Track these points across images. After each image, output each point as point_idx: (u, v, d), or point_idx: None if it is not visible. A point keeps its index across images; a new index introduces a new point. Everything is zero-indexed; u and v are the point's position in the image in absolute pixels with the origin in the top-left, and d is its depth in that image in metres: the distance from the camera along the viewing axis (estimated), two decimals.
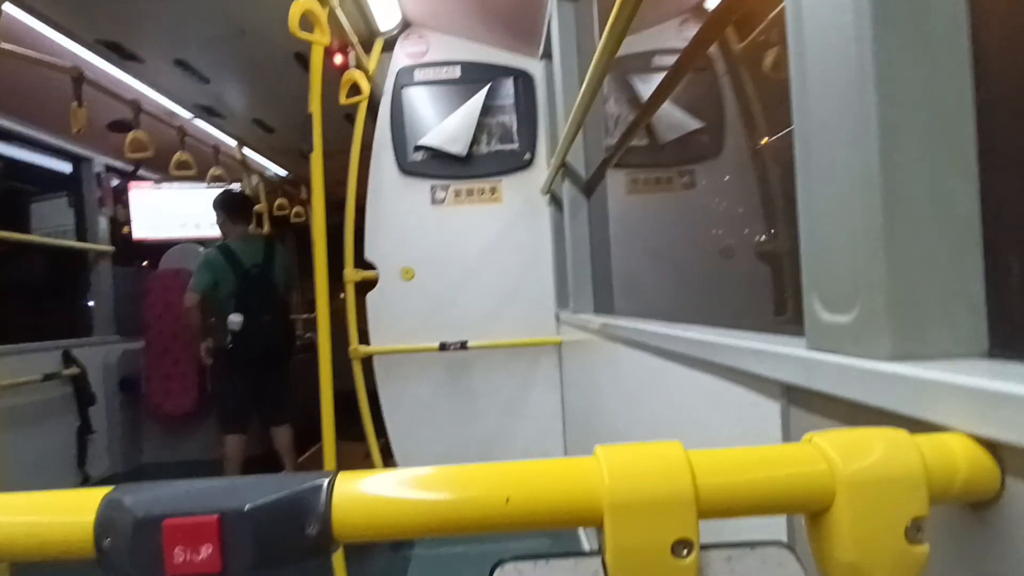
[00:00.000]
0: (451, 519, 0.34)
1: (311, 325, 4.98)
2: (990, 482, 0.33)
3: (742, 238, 2.49)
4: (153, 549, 0.32)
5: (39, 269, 3.97)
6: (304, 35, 1.60)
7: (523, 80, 2.67)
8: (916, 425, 0.37)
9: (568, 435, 2.63)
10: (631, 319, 1.39)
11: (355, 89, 2.09)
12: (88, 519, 0.34)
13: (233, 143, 3.93)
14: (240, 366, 2.99)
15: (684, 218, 2.50)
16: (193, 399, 3.68)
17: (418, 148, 2.65)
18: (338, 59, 2.31)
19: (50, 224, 3.76)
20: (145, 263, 4.40)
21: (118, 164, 3.89)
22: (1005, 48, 0.47)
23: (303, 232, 5.32)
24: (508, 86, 2.67)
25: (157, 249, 4.11)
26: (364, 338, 2.60)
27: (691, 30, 2.49)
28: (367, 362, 2.59)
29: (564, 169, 1.99)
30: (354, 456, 2.64)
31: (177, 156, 3.12)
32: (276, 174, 4.84)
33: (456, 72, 2.66)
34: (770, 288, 2.38)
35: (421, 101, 2.66)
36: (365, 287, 2.63)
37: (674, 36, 2.50)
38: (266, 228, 4.51)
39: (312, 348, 4.12)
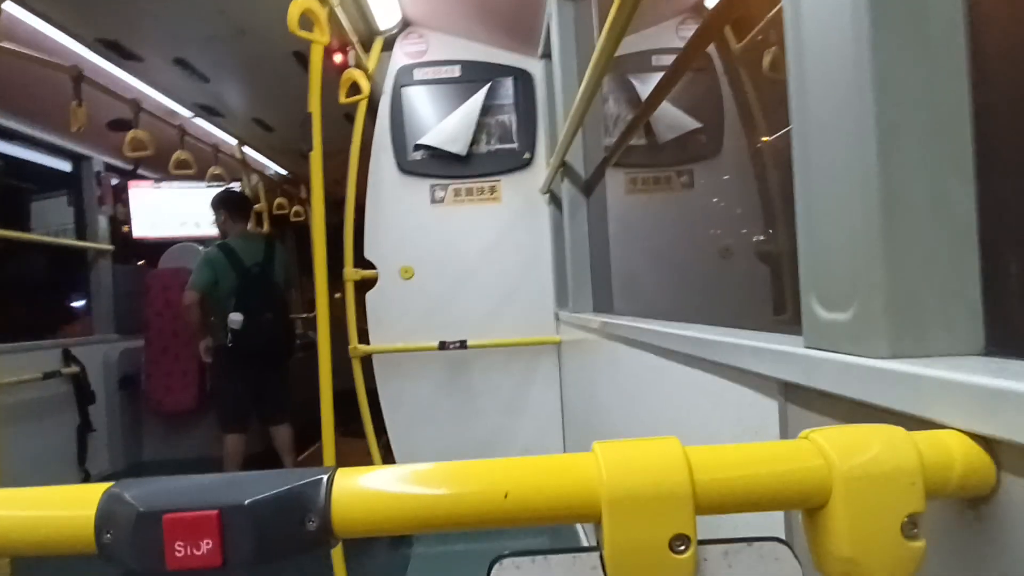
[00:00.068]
0: (450, 514, 0.34)
1: (311, 324, 4.98)
2: (985, 478, 0.34)
3: (741, 238, 2.50)
4: (154, 543, 0.32)
5: (39, 268, 3.97)
6: (304, 34, 1.60)
7: (522, 79, 2.67)
8: (912, 422, 0.37)
9: (567, 434, 2.63)
10: (630, 318, 1.39)
11: (355, 88, 2.09)
12: (89, 513, 0.34)
13: (233, 142, 3.93)
14: (240, 365, 3.00)
15: (683, 218, 2.50)
16: (193, 397, 3.68)
17: (418, 147, 2.65)
18: (338, 58, 2.31)
19: (50, 223, 3.76)
20: (141, 262, 4.39)
21: (118, 163, 3.89)
22: (1002, 49, 0.47)
23: (302, 231, 5.32)
24: (507, 85, 2.67)
25: (157, 248, 4.11)
26: (364, 337, 2.60)
27: (690, 30, 2.50)
28: (367, 361, 2.59)
29: (563, 168, 1.99)
30: (354, 453, 2.65)
31: (177, 155, 3.12)
32: (276, 173, 4.83)
33: (456, 71, 2.66)
34: (769, 288, 2.39)
35: (421, 100, 2.67)
36: (365, 286, 2.63)
37: (673, 36, 2.50)
38: (266, 227, 4.51)
39: (312, 347, 4.13)
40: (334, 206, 2.20)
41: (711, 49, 2.44)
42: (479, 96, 2.62)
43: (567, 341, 2.45)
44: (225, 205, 3.14)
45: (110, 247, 3.85)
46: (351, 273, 2.54)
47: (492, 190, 2.68)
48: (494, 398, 2.68)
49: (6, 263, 3.62)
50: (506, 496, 0.34)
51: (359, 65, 2.32)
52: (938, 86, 0.42)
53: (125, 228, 4.07)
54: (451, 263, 2.66)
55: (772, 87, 2.30)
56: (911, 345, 0.42)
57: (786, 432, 0.58)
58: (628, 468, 0.34)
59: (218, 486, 0.34)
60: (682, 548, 0.33)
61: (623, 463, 0.34)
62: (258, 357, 3.02)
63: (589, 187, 1.96)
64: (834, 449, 0.34)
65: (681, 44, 2.47)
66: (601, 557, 0.34)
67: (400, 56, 2.66)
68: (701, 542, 0.34)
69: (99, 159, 3.77)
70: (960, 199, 0.43)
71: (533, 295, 2.65)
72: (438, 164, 2.65)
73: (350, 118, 2.52)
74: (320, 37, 1.66)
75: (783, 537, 0.36)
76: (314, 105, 1.79)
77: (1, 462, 1.66)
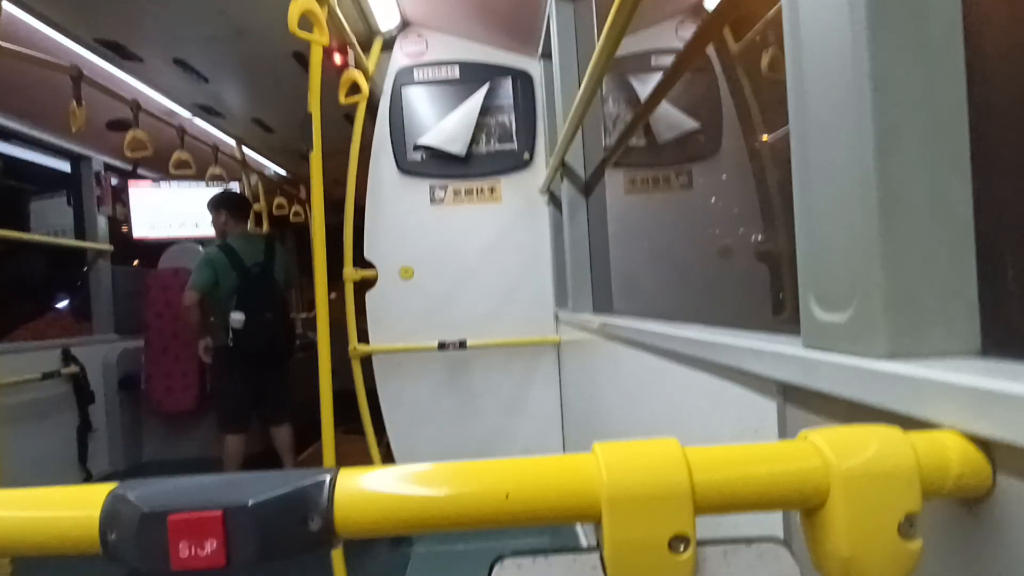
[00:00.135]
0: (451, 514, 0.35)
1: (310, 324, 4.98)
2: (982, 479, 0.34)
3: (740, 238, 2.50)
4: (159, 544, 0.32)
5: (38, 267, 3.97)
6: (303, 35, 1.60)
7: (522, 80, 2.68)
8: (910, 423, 0.37)
9: (567, 434, 2.63)
10: (630, 318, 1.39)
11: (354, 89, 2.10)
12: (94, 514, 0.34)
13: (232, 142, 3.93)
14: (241, 365, 3.00)
15: (682, 218, 2.50)
16: (194, 397, 3.68)
17: (417, 148, 2.66)
18: (337, 59, 2.31)
19: (49, 223, 3.76)
20: (136, 262, 4.39)
21: (117, 163, 3.89)
22: (1000, 50, 0.48)
23: (302, 231, 5.32)
24: (507, 86, 2.67)
25: (156, 248, 4.11)
26: (363, 337, 2.60)
27: (689, 30, 2.50)
28: (367, 361, 2.59)
29: (563, 169, 1.99)
30: (353, 453, 2.65)
31: (176, 155, 3.12)
32: (275, 173, 4.83)
33: (455, 72, 2.66)
34: (768, 287, 2.39)
35: (420, 101, 2.67)
36: (364, 286, 2.63)
37: (672, 36, 2.50)
38: (265, 227, 4.51)
39: (311, 347, 4.13)
40: (334, 206, 2.21)
41: (710, 49, 2.44)
42: (478, 96, 2.63)
43: (567, 341, 2.45)
44: (226, 205, 3.15)
45: (109, 247, 3.85)
46: (351, 273, 2.54)
47: (492, 190, 2.68)
48: (494, 398, 2.68)
49: (5, 263, 3.62)
50: (507, 496, 0.34)
51: (359, 65, 2.32)
52: (936, 86, 0.43)
53: (124, 228, 4.07)
54: (451, 263, 2.66)
55: (771, 87, 2.30)
56: (909, 346, 0.42)
57: (785, 432, 0.58)
58: (628, 468, 0.34)
59: (222, 487, 0.34)
60: (681, 548, 0.33)
61: (623, 464, 0.34)
62: (259, 357, 3.02)
63: (588, 187, 1.97)
64: (832, 450, 0.34)
65: (680, 44, 2.48)
66: (601, 557, 0.34)
67: (399, 56, 2.66)
68: (700, 542, 0.34)
69: (99, 159, 3.77)
70: (958, 200, 0.43)
71: (533, 295, 2.66)
72: (438, 164, 2.65)
73: (350, 118, 2.52)
74: (320, 38, 1.66)
75: (781, 537, 0.36)
76: (314, 105, 1.79)
77: (1, 462, 1.67)
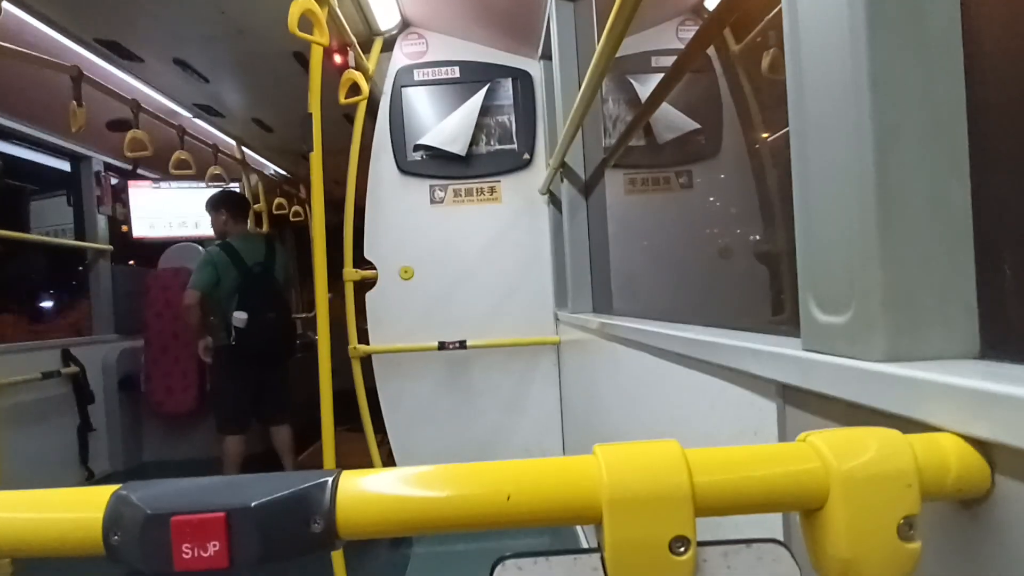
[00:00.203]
0: (453, 516, 0.35)
1: (310, 324, 4.98)
2: (981, 481, 0.34)
3: (740, 238, 2.50)
4: (162, 545, 0.33)
5: (38, 267, 3.97)
6: (303, 35, 1.60)
7: (522, 80, 2.68)
8: (909, 425, 0.37)
9: (567, 434, 2.63)
10: (629, 319, 1.39)
11: (354, 89, 2.10)
12: (97, 515, 0.34)
13: (232, 142, 3.93)
14: (242, 364, 3.00)
15: (682, 218, 2.51)
16: (193, 397, 3.68)
17: (417, 148, 2.66)
18: (337, 59, 2.31)
19: (49, 223, 3.76)
20: (132, 262, 4.38)
21: (117, 163, 3.89)
22: (998, 51, 0.48)
23: (302, 231, 5.32)
24: (507, 86, 2.68)
25: (156, 248, 4.11)
26: (363, 337, 2.61)
27: (690, 31, 2.50)
28: (366, 361, 2.59)
29: (563, 169, 1.99)
30: (353, 452, 2.65)
31: (176, 155, 3.12)
32: (275, 173, 4.83)
33: (455, 72, 2.66)
34: (767, 288, 2.39)
35: (420, 101, 2.67)
36: (364, 286, 2.63)
37: (672, 37, 2.50)
38: (265, 227, 4.51)
39: (311, 347, 4.13)
40: (334, 206, 2.21)
41: (710, 50, 2.44)
42: (478, 97, 2.63)
43: (566, 341, 2.46)
44: (226, 205, 3.15)
45: (109, 247, 3.85)
46: (351, 273, 2.54)
47: (492, 190, 2.68)
48: (493, 398, 2.69)
49: (5, 263, 3.62)
50: (508, 498, 0.35)
51: (359, 66, 2.32)
52: (935, 87, 0.43)
53: (124, 228, 4.07)
54: (451, 263, 2.66)
55: (771, 88, 2.30)
56: (907, 348, 0.43)
57: (784, 433, 0.58)
58: (628, 470, 0.34)
59: (224, 488, 0.34)
60: (682, 549, 0.33)
61: (624, 465, 0.34)
62: (260, 357, 3.03)
63: (588, 188, 1.97)
64: (831, 452, 0.34)
65: (681, 45, 2.48)
66: (602, 558, 0.34)
67: (400, 57, 2.67)
68: (701, 543, 0.34)
69: (99, 159, 3.77)
70: (957, 201, 0.43)
71: (532, 295, 2.66)
72: (438, 164, 2.66)
73: (350, 119, 2.52)
74: (320, 38, 1.66)
75: (781, 538, 0.36)
76: (314, 106, 1.79)
77: (1, 462, 1.67)
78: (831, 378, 0.47)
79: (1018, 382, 0.32)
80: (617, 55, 1.17)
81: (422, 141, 2.64)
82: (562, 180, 2.03)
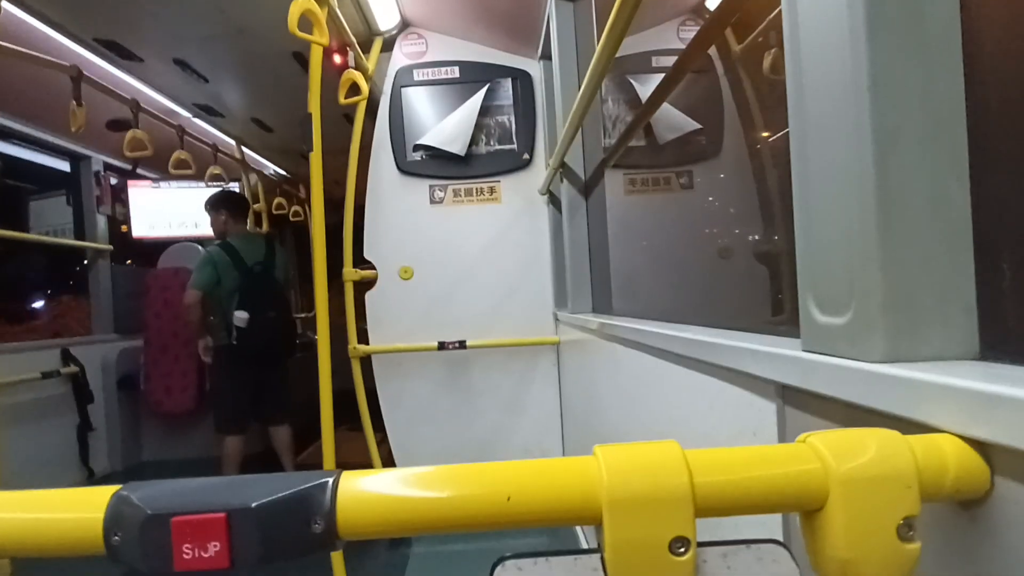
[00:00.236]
0: (453, 517, 0.35)
1: (310, 324, 4.98)
2: (980, 482, 0.34)
3: (740, 239, 2.50)
4: (162, 545, 0.33)
5: (37, 267, 3.97)
6: (303, 35, 1.60)
7: (522, 80, 2.68)
8: (908, 426, 0.37)
9: (566, 434, 2.63)
10: (629, 319, 1.39)
11: (354, 89, 2.10)
12: (98, 516, 0.34)
13: (232, 142, 3.93)
14: (242, 364, 3.00)
15: (682, 218, 2.51)
16: (193, 397, 3.68)
17: (417, 148, 2.66)
18: (337, 59, 2.31)
19: (49, 222, 3.76)
20: (131, 261, 4.38)
21: (117, 163, 3.89)
22: (998, 51, 0.48)
23: (301, 231, 5.33)
24: (507, 86, 2.68)
25: (156, 248, 4.11)
26: (363, 337, 2.61)
27: (691, 31, 2.50)
28: (366, 361, 2.59)
29: (563, 169, 1.99)
30: (353, 449, 2.65)
31: (176, 155, 3.12)
32: (275, 173, 4.83)
33: (455, 72, 2.66)
34: (768, 289, 2.39)
35: (420, 101, 2.67)
36: (364, 286, 2.63)
37: (673, 37, 2.51)
38: (264, 227, 4.51)
39: (311, 347, 4.13)
40: (333, 206, 2.21)
41: (711, 50, 2.45)
42: (478, 97, 2.63)
43: (566, 342, 2.46)
44: (226, 205, 3.15)
45: (109, 247, 3.85)
46: (350, 273, 2.54)
47: (491, 190, 2.69)
48: (493, 398, 2.69)
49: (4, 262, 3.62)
50: (509, 499, 0.35)
51: (358, 66, 2.32)
52: (934, 88, 0.43)
53: (124, 228, 4.07)
54: (450, 263, 2.66)
55: (772, 88, 2.30)
56: (907, 349, 0.43)
57: (784, 434, 0.59)
58: (629, 471, 0.34)
59: (225, 489, 0.35)
60: (682, 550, 0.33)
61: (624, 466, 0.34)
62: (261, 356, 3.03)
63: (588, 188, 1.97)
64: (831, 453, 0.34)
65: (682, 45, 2.48)
66: (602, 559, 0.35)
67: (399, 57, 2.67)
68: (700, 544, 0.34)
69: (98, 159, 3.77)
70: (956, 201, 0.43)
71: (532, 296, 2.66)
72: (437, 164, 2.66)
73: (349, 119, 2.52)
74: (319, 38, 1.66)
75: (781, 539, 0.36)
76: (314, 105, 1.79)
77: (1, 462, 1.67)
78: (830, 379, 0.47)
79: (1017, 383, 0.32)
80: (617, 55, 1.17)
81: (422, 141, 2.64)
82: (562, 180, 2.03)
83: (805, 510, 0.35)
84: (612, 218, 2.03)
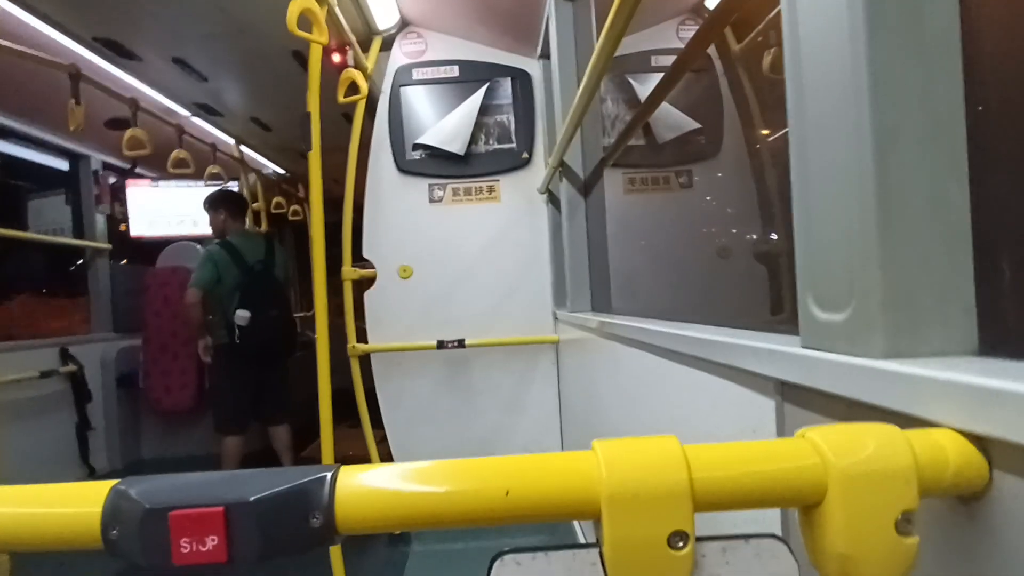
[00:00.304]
0: (452, 511, 0.35)
1: (309, 323, 4.98)
2: (979, 476, 0.34)
3: (740, 238, 2.50)
4: (160, 540, 0.32)
5: (37, 266, 3.96)
6: (302, 34, 1.60)
7: (521, 80, 2.68)
8: (907, 421, 0.37)
9: (565, 433, 2.63)
10: (628, 318, 1.39)
11: (353, 88, 2.09)
12: (96, 510, 0.34)
13: (231, 141, 3.93)
14: (243, 363, 3.00)
15: (681, 218, 2.51)
16: (192, 395, 3.68)
17: (416, 147, 2.66)
18: (336, 58, 2.31)
19: (47, 221, 3.76)
20: (126, 260, 4.37)
21: (115, 162, 3.88)
22: (997, 52, 0.48)
23: (300, 230, 5.32)
24: (506, 85, 2.68)
25: (154, 247, 4.11)
26: (362, 336, 2.60)
27: (690, 31, 2.50)
28: (365, 360, 2.59)
29: (562, 168, 1.99)
30: (353, 446, 2.65)
31: (175, 154, 3.12)
32: (274, 172, 4.83)
33: (454, 71, 2.66)
34: (767, 288, 2.39)
35: (419, 100, 2.67)
36: (363, 285, 2.63)
37: (673, 36, 2.51)
38: (264, 226, 4.51)
39: (310, 346, 4.13)
40: (332, 205, 2.21)
41: (711, 50, 2.45)
42: (477, 96, 2.63)
43: (565, 340, 2.46)
44: (225, 204, 3.15)
45: (108, 246, 3.84)
46: (349, 272, 2.54)
47: (490, 190, 2.68)
48: (492, 397, 2.69)
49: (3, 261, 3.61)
50: (507, 494, 0.35)
51: (358, 65, 2.32)
52: (934, 87, 0.43)
53: (123, 227, 4.07)
54: (449, 262, 2.66)
55: (772, 88, 2.30)
56: (906, 345, 0.43)
57: (783, 431, 0.59)
58: (628, 466, 0.34)
59: (223, 483, 0.34)
60: (680, 544, 0.33)
61: (623, 461, 0.34)
62: (262, 355, 3.02)
63: (587, 187, 1.97)
64: (830, 447, 0.34)
65: (681, 45, 2.48)
66: (601, 553, 0.35)
67: (399, 56, 2.66)
68: (699, 539, 0.34)
69: (97, 158, 3.77)
70: (955, 200, 0.43)
71: (531, 294, 2.66)
72: (436, 164, 2.66)
73: (349, 118, 2.52)
74: (319, 37, 1.66)
75: (780, 534, 0.36)
76: (313, 104, 1.79)
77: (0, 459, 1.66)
78: (830, 375, 0.47)
79: (1017, 378, 0.32)
80: (616, 54, 1.17)
81: (421, 140, 2.64)
82: (561, 179, 2.03)
83: (804, 505, 0.35)
84: (611, 217, 2.03)
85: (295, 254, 5.56)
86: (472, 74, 2.66)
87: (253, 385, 3.07)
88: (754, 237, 2.48)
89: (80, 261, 3.85)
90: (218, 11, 2.24)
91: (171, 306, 3.65)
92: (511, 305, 2.66)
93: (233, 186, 4.09)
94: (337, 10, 1.97)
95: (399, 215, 2.65)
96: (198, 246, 3.93)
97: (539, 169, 2.64)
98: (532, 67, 2.68)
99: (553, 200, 2.54)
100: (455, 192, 2.68)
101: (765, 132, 2.42)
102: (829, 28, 0.47)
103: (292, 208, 4.84)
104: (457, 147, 2.61)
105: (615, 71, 2.46)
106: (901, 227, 0.43)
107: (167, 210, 4.17)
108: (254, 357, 3.00)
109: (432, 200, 2.68)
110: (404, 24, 2.64)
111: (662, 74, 2.00)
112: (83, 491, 0.35)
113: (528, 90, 2.68)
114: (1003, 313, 0.45)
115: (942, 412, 0.36)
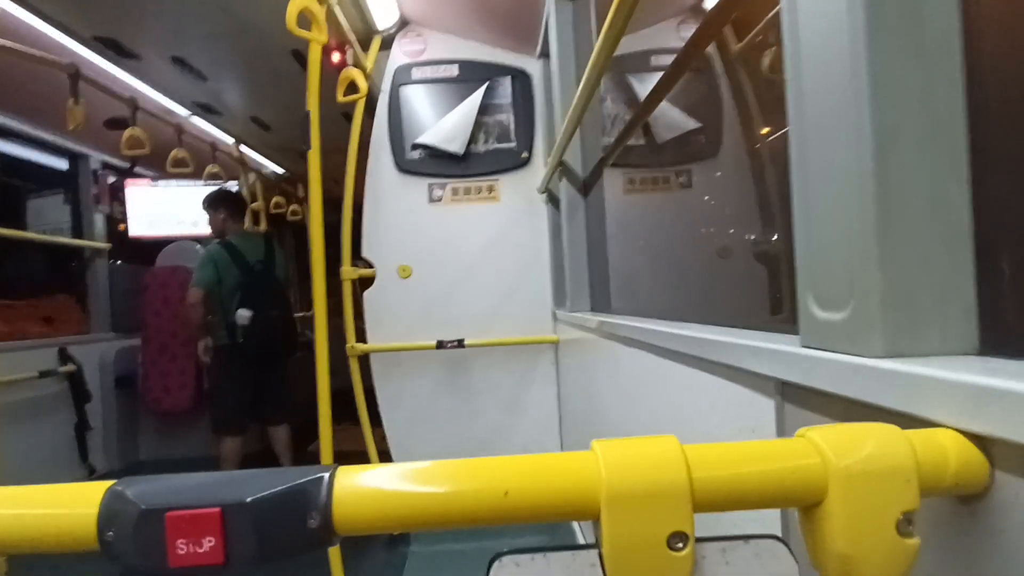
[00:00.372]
0: (450, 512, 0.35)
1: (308, 323, 4.98)
2: (979, 476, 0.34)
3: (739, 238, 2.50)
4: (156, 541, 0.32)
5: (36, 265, 3.96)
6: (302, 33, 1.60)
7: (520, 79, 2.68)
8: (908, 421, 0.37)
9: (565, 433, 2.63)
10: (627, 317, 1.39)
11: (353, 87, 2.09)
12: (92, 512, 0.34)
13: (230, 141, 3.92)
14: (244, 363, 2.99)
15: (681, 217, 2.51)
16: (190, 396, 3.68)
17: (416, 146, 2.65)
18: (336, 57, 2.31)
19: (47, 221, 3.76)
20: (121, 260, 4.35)
21: (115, 161, 3.88)
22: (997, 52, 0.48)
23: (300, 230, 5.32)
24: (506, 85, 2.67)
25: (154, 246, 4.10)
26: (361, 336, 2.60)
27: (689, 30, 2.50)
28: (364, 360, 2.59)
29: (561, 168, 1.99)
30: (353, 441, 2.64)
31: (174, 153, 3.11)
32: (273, 172, 4.83)
33: (454, 71, 2.66)
34: (766, 287, 2.39)
35: (419, 99, 2.67)
36: (363, 285, 2.63)
37: (672, 36, 2.50)
38: (263, 226, 4.50)
39: (309, 346, 4.13)
40: (332, 205, 2.20)
41: (710, 49, 2.44)
42: (477, 95, 2.62)
43: (565, 340, 2.46)
44: (225, 203, 3.15)
45: (107, 245, 3.84)
46: (349, 272, 2.54)
47: (490, 189, 2.68)
48: (492, 397, 2.68)
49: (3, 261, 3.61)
50: (506, 494, 0.34)
51: (357, 64, 2.31)
52: (934, 88, 0.43)
53: (122, 226, 4.06)
54: (449, 262, 2.66)
55: (771, 88, 2.30)
56: (906, 344, 0.42)
57: (783, 430, 0.58)
58: (627, 466, 0.34)
59: (220, 484, 0.34)
60: (680, 545, 0.33)
61: (622, 461, 0.34)
62: (262, 355, 3.02)
63: (587, 187, 1.97)
64: (830, 447, 0.34)
65: (680, 44, 2.48)
66: (600, 554, 0.34)
67: (398, 55, 2.66)
68: (699, 539, 0.34)
69: (96, 157, 3.76)
70: (955, 200, 0.43)
71: (531, 294, 2.66)
72: (436, 163, 2.65)
73: (348, 117, 2.52)
74: (318, 36, 1.66)
75: (780, 534, 0.36)
76: (312, 104, 1.78)
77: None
78: (830, 375, 0.47)
79: (1017, 377, 0.32)
80: (616, 54, 1.17)
81: (420, 140, 2.64)
82: (560, 179, 2.03)
83: (804, 505, 0.35)
84: (611, 217, 2.03)
85: (294, 254, 5.55)
86: (472, 73, 2.66)
87: (253, 385, 3.06)
88: (754, 237, 2.48)
89: (74, 263, 3.84)
90: (218, 10, 2.24)
91: (170, 306, 3.65)
92: (511, 305, 2.65)
93: (232, 186, 4.08)
94: (337, 9, 1.97)
95: (398, 215, 2.65)
96: (197, 246, 3.93)
97: (539, 169, 2.64)
98: (532, 66, 2.68)
99: (553, 200, 2.54)
100: (455, 192, 2.68)
101: (764, 132, 2.42)
102: (829, 28, 0.47)
103: (291, 208, 4.84)
104: (457, 147, 2.61)
105: (615, 71, 2.45)
106: (901, 227, 0.43)
107: (166, 210, 4.16)
108: (254, 357, 3.00)
109: (431, 200, 2.67)
110: (404, 23, 2.64)
111: (661, 74, 2.00)
112: (79, 492, 0.35)
113: (528, 90, 2.67)
114: (1003, 313, 0.45)
115: (942, 412, 0.36)
